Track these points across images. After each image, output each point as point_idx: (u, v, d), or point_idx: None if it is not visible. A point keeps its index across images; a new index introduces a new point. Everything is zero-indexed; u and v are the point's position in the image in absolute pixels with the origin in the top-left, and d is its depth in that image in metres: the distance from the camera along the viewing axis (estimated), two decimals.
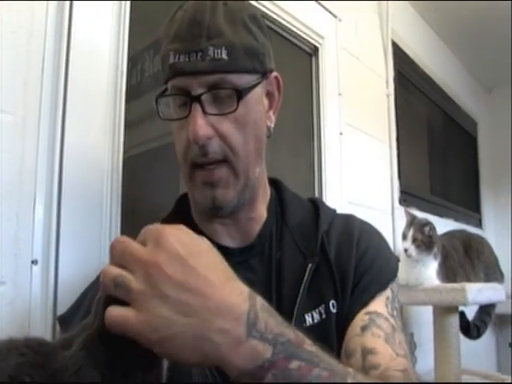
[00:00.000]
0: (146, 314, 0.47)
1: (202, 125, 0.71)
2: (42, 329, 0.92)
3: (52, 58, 0.99)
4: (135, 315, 0.47)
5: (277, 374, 0.49)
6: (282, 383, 0.49)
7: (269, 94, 0.83)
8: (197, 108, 0.71)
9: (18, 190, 0.91)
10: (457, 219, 3.20)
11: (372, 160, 2.25)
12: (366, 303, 0.76)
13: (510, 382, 2.35)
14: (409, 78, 2.84)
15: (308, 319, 0.76)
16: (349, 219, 0.88)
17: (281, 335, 0.51)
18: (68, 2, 1.02)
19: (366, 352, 0.69)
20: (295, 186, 0.98)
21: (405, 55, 2.75)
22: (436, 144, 3.31)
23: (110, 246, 0.51)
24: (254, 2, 1.15)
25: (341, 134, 1.98)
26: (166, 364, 0.55)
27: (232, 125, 0.73)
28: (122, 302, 0.49)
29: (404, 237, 1.94)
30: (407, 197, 2.53)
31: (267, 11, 1.65)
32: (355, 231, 0.83)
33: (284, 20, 1.74)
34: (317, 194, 1.84)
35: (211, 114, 0.72)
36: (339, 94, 2.00)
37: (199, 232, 0.83)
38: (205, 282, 0.49)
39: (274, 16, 1.70)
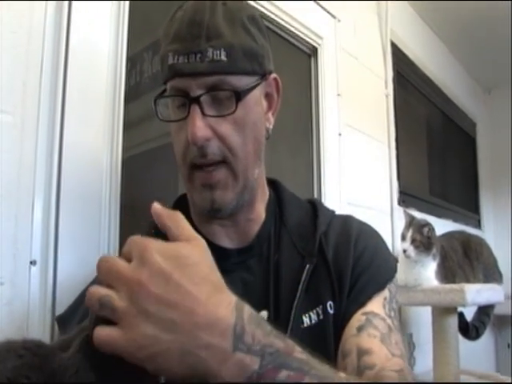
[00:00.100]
0: (132, 332, 0.47)
1: (200, 126, 0.71)
2: (41, 329, 0.92)
3: (51, 59, 0.99)
4: (121, 334, 0.47)
5: None
6: None
7: (268, 96, 0.83)
8: (196, 109, 0.71)
9: (16, 191, 0.91)
10: (456, 220, 3.20)
11: (371, 161, 2.25)
12: (363, 303, 0.76)
13: (509, 382, 2.35)
14: (408, 79, 2.84)
15: (306, 320, 0.76)
16: (347, 220, 0.88)
17: (269, 346, 0.50)
18: (67, 2, 1.02)
19: (362, 352, 0.69)
20: (294, 186, 0.98)
21: (404, 56, 2.75)
22: (435, 145, 3.31)
23: (96, 265, 0.51)
24: (252, 3, 1.14)
25: (340, 134, 1.98)
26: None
27: (231, 126, 0.73)
28: (111, 321, 0.49)
29: (403, 237, 1.94)
30: (406, 197, 2.54)
31: (266, 11, 1.65)
32: (353, 232, 0.83)
33: (283, 20, 1.74)
34: (316, 195, 1.84)
35: (210, 116, 0.72)
36: (338, 95, 2.00)
37: (198, 233, 0.84)
38: (189, 297, 0.48)
39: (273, 16, 1.70)
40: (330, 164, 1.90)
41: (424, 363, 2.24)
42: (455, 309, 1.95)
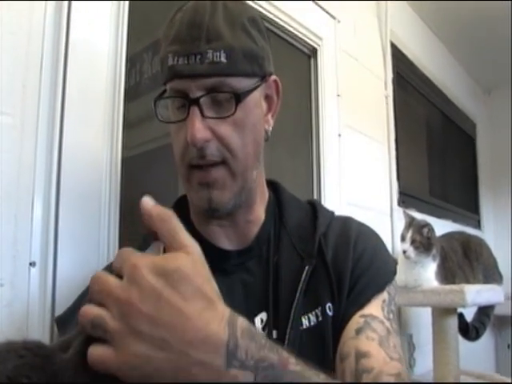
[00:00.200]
0: (124, 352, 0.47)
1: (200, 128, 0.71)
2: (40, 331, 0.92)
3: (50, 59, 0.99)
4: (114, 354, 0.47)
5: None
6: None
7: (267, 98, 0.82)
8: (195, 111, 0.71)
9: (16, 192, 0.91)
10: (455, 220, 3.20)
11: (371, 161, 2.25)
12: (361, 306, 0.76)
13: (508, 382, 2.35)
14: (407, 80, 2.84)
15: (305, 322, 0.76)
16: (347, 221, 0.87)
17: (262, 360, 0.50)
18: (66, 2, 1.02)
19: (360, 355, 0.69)
20: (294, 187, 0.98)
21: (403, 56, 2.75)
22: (435, 145, 3.31)
23: (89, 282, 0.51)
24: (251, 3, 1.14)
25: (339, 135, 1.98)
26: None
27: (230, 128, 0.73)
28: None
29: (403, 238, 1.94)
30: (406, 198, 2.54)
31: (265, 12, 1.65)
32: (353, 233, 0.83)
33: (282, 21, 1.74)
34: (316, 196, 1.84)
35: (209, 118, 0.72)
36: (338, 96, 2.00)
37: (197, 234, 0.84)
38: (180, 315, 0.47)
39: (273, 17, 1.70)
40: (330, 165, 1.90)
41: (424, 364, 2.24)
42: (455, 309, 1.95)
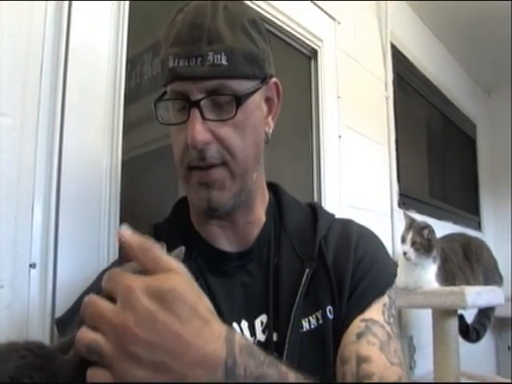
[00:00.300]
0: (123, 377, 0.46)
1: (200, 130, 0.70)
2: (40, 332, 0.92)
3: (50, 61, 0.99)
4: (113, 379, 0.47)
5: None
6: None
7: (268, 100, 0.82)
8: (195, 113, 0.71)
9: (16, 193, 0.91)
10: (456, 222, 3.20)
11: (371, 163, 2.25)
12: (362, 309, 0.76)
13: (508, 382, 2.35)
14: (408, 81, 2.84)
15: (305, 325, 0.76)
16: (347, 224, 0.87)
17: (261, 377, 0.50)
18: (67, 2, 1.02)
19: (361, 360, 0.69)
20: (294, 189, 0.98)
21: (404, 58, 2.75)
22: (435, 146, 3.31)
23: (82, 306, 0.50)
24: (250, 3, 1.14)
25: (340, 136, 1.98)
26: None
27: (231, 130, 0.73)
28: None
29: (403, 240, 1.94)
30: (406, 200, 2.53)
31: (265, 14, 1.65)
32: (353, 236, 0.83)
33: (282, 23, 1.74)
34: (316, 197, 1.84)
35: (210, 120, 0.72)
36: (338, 97, 2.00)
37: (197, 236, 0.84)
38: (177, 338, 0.47)
39: (273, 19, 1.70)
40: (330, 166, 1.89)
41: (424, 366, 2.24)
42: (455, 311, 1.95)
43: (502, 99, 4.02)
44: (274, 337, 0.76)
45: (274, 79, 0.82)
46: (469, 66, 3.66)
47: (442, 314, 1.94)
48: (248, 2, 0.86)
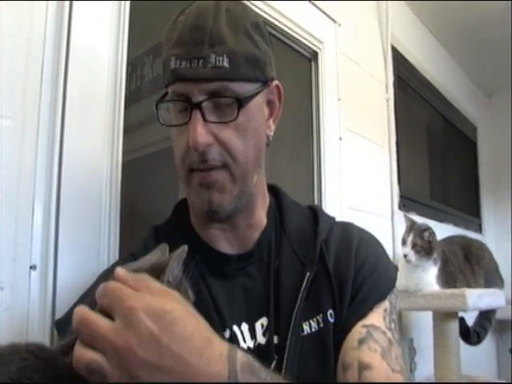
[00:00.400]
0: None
1: (202, 132, 0.70)
2: (41, 335, 0.91)
3: (51, 62, 0.99)
4: None
5: None
6: None
7: (269, 103, 0.82)
8: (197, 115, 0.71)
9: (16, 195, 0.91)
10: (456, 224, 3.20)
11: (372, 165, 2.25)
12: (364, 314, 0.76)
13: (508, 382, 2.35)
14: (408, 83, 2.84)
15: (306, 328, 0.76)
16: (347, 227, 0.87)
17: None
18: (68, 2, 1.02)
19: (363, 367, 0.69)
20: (295, 190, 0.98)
21: (404, 60, 2.76)
22: (436, 149, 3.31)
23: (75, 322, 0.50)
24: (249, 3, 1.14)
25: (340, 139, 1.98)
26: None
27: (232, 132, 0.73)
28: None
29: (403, 242, 1.94)
30: (407, 202, 2.53)
31: (266, 15, 1.65)
32: (354, 240, 0.83)
33: (283, 25, 1.74)
34: (316, 199, 1.84)
35: (211, 122, 0.72)
36: (339, 99, 2.00)
37: (197, 238, 0.83)
38: (181, 360, 0.47)
39: (273, 21, 1.70)
40: (331, 168, 1.89)
41: (425, 368, 2.23)
42: (456, 314, 1.95)
43: (503, 102, 4.03)
44: (275, 340, 0.76)
45: (275, 82, 0.82)
46: (469, 68, 3.66)
47: (443, 316, 1.94)
48: (247, 3, 0.85)
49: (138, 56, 1.33)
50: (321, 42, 1.94)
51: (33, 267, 0.92)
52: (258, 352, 0.76)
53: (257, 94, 0.76)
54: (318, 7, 1.94)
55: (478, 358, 2.89)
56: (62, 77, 1.00)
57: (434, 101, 3.21)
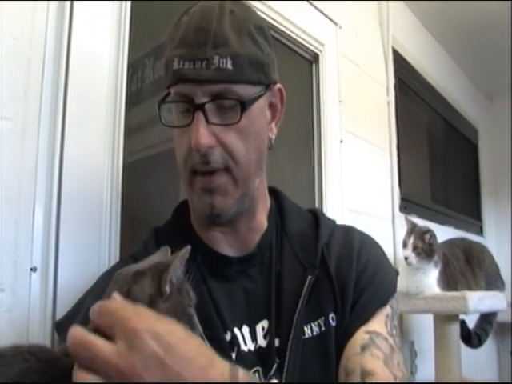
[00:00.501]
0: None
1: (204, 134, 0.70)
2: (41, 336, 0.91)
3: (52, 64, 0.99)
4: None
5: None
6: None
7: (272, 106, 0.82)
8: (200, 117, 0.71)
9: (17, 197, 0.91)
10: (457, 227, 3.19)
11: (372, 167, 2.25)
12: (366, 320, 0.76)
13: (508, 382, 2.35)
14: (409, 85, 2.84)
15: (307, 331, 0.76)
16: (349, 231, 0.87)
17: None
18: (69, 2, 1.02)
19: (365, 373, 0.69)
20: (296, 193, 0.98)
21: (405, 62, 2.76)
22: (437, 151, 3.31)
23: (72, 345, 0.48)
24: (250, 4, 1.14)
25: (341, 141, 1.98)
26: None
27: (234, 135, 0.73)
28: None
29: (404, 245, 1.93)
30: (408, 204, 2.53)
31: (267, 18, 1.65)
32: (355, 243, 0.83)
33: (284, 27, 1.75)
34: (317, 202, 1.84)
35: (214, 124, 0.72)
36: (340, 102, 2.00)
37: (198, 240, 0.83)
38: (185, 380, 0.47)
39: (274, 22, 1.70)
40: (332, 171, 1.89)
41: (426, 371, 2.23)
42: (457, 316, 1.95)
43: (504, 104, 4.03)
44: (276, 342, 0.76)
45: (278, 85, 0.82)
46: (470, 70, 3.66)
47: (444, 319, 1.94)
48: (246, 1, 0.85)
49: (139, 58, 1.33)
50: (322, 45, 1.94)
51: (33, 269, 0.92)
52: (259, 355, 0.76)
53: (260, 96, 0.76)
54: (318, 9, 1.94)
55: (479, 361, 2.89)
56: (62, 78, 1.00)
57: (434, 103, 3.21)
